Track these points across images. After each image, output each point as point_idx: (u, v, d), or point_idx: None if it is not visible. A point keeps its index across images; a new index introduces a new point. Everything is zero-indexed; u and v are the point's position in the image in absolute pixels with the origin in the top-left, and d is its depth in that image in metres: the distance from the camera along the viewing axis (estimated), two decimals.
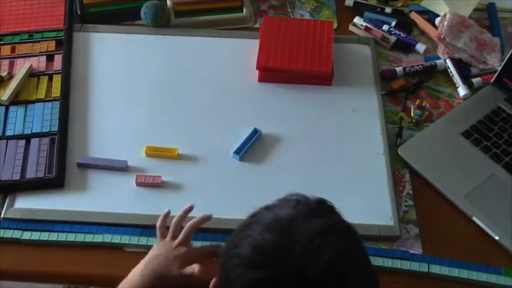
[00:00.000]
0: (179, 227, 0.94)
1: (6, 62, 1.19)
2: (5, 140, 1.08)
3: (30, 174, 1.04)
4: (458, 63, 1.26)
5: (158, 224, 0.94)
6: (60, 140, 1.09)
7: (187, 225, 0.93)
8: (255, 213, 0.74)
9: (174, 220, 0.94)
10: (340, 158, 1.11)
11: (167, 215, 0.96)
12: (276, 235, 0.68)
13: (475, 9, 1.34)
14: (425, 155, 1.12)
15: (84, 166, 1.07)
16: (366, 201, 1.05)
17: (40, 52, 1.21)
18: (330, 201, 0.73)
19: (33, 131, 1.09)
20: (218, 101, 1.18)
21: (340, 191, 1.06)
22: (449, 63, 1.25)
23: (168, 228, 0.94)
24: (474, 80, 1.23)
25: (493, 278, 0.98)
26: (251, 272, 0.67)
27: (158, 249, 0.91)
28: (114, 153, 1.08)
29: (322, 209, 0.72)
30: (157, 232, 0.94)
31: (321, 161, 1.10)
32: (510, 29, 1.35)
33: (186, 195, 1.04)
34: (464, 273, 0.97)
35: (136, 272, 0.89)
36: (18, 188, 1.03)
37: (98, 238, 0.98)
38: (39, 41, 1.23)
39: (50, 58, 1.21)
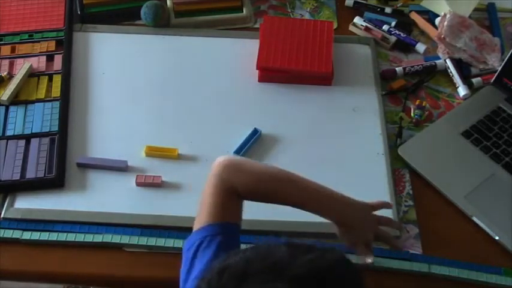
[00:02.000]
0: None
1: (6, 62, 1.19)
2: (5, 140, 1.08)
3: (30, 174, 1.04)
4: (458, 63, 1.26)
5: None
6: (60, 140, 1.09)
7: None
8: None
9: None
10: (340, 158, 1.11)
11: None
12: None
13: (475, 9, 1.34)
14: (425, 155, 1.12)
15: (84, 166, 1.07)
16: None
17: (40, 52, 1.21)
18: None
19: (33, 131, 1.09)
20: (218, 101, 1.18)
21: (340, 191, 1.06)
22: (449, 63, 1.25)
23: None
24: (474, 80, 1.23)
25: (493, 278, 0.98)
26: None
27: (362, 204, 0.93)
28: (114, 153, 1.08)
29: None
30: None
31: (321, 161, 1.10)
32: (510, 29, 1.35)
33: (186, 195, 1.04)
34: (464, 273, 0.97)
35: (339, 195, 0.91)
36: (18, 188, 1.03)
37: (98, 238, 0.98)
38: (39, 41, 1.23)
39: (50, 58, 1.21)
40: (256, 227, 1.00)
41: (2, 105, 1.13)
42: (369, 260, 0.92)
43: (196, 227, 0.85)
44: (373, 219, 0.95)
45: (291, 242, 0.69)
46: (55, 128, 1.10)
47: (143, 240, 0.98)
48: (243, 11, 1.32)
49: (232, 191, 0.86)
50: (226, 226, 0.84)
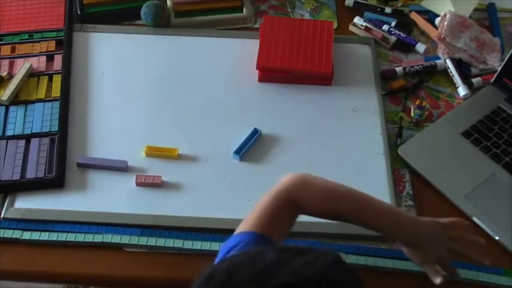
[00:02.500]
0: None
1: (6, 62, 1.19)
2: (5, 140, 1.08)
3: (30, 174, 1.04)
4: (458, 63, 1.26)
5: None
6: (60, 140, 1.09)
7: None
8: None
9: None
10: (340, 158, 1.11)
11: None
12: None
13: (475, 9, 1.34)
14: (425, 155, 1.12)
15: (84, 166, 1.07)
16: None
17: (40, 52, 1.21)
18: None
19: (33, 131, 1.09)
20: (218, 101, 1.18)
21: None
22: (449, 63, 1.25)
23: None
24: (474, 80, 1.23)
25: (493, 278, 0.97)
26: None
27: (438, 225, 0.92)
28: (114, 153, 1.08)
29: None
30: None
31: (321, 161, 1.10)
32: (510, 29, 1.35)
33: (186, 195, 1.04)
34: (464, 273, 0.97)
35: (407, 214, 0.90)
36: (18, 188, 1.03)
37: (98, 238, 0.98)
38: (39, 41, 1.23)
39: (50, 58, 1.21)
40: None
41: (2, 105, 1.13)
42: (437, 281, 0.90)
43: (240, 229, 0.83)
44: (443, 236, 0.92)
45: (282, 247, 0.67)
46: (55, 128, 1.10)
47: (143, 240, 0.98)
48: (243, 11, 1.32)
49: (292, 204, 0.84)
50: (265, 239, 0.80)
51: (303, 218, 1.02)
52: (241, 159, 1.09)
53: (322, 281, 0.62)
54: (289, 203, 0.84)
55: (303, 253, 0.65)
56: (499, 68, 1.20)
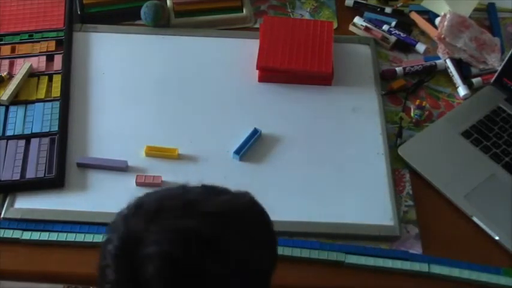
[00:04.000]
0: None
1: (6, 62, 1.19)
2: (5, 140, 1.08)
3: (30, 174, 1.04)
4: (458, 63, 1.26)
5: None
6: (60, 140, 1.08)
7: None
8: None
9: None
10: (340, 158, 1.11)
11: None
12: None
13: (475, 9, 1.34)
14: (425, 155, 1.12)
15: (84, 166, 1.07)
16: (366, 201, 1.05)
17: (40, 52, 1.21)
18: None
19: (33, 131, 1.09)
20: (218, 101, 1.18)
21: (340, 191, 1.06)
22: (449, 63, 1.25)
23: None
24: (474, 80, 1.23)
25: (493, 278, 0.97)
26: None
27: None
28: (114, 153, 1.08)
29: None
30: None
31: (321, 161, 1.10)
32: (510, 29, 1.35)
33: None
34: (465, 273, 0.97)
35: None
36: (18, 188, 1.03)
37: (98, 238, 0.98)
38: (39, 41, 1.23)
39: (50, 58, 1.21)
40: None
41: (2, 105, 1.13)
42: None
43: None
44: None
45: (206, 185, 0.74)
46: (55, 128, 1.10)
47: None
48: (243, 11, 1.32)
49: None
50: None
51: (303, 218, 1.03)
52: (241, 159, 1.09)
53: (242, 214, 0.70)
54: None
55: (224, 191, 0.73)
56: (499, 68, 1.20)
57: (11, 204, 1.02)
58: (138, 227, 0.66)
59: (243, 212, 0.71)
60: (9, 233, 0.98)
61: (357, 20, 1.33)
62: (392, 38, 1.30)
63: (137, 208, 0.69)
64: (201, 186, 0.74)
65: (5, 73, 1.16)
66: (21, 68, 1.17)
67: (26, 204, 1.02)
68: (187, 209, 0.67)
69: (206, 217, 0.67)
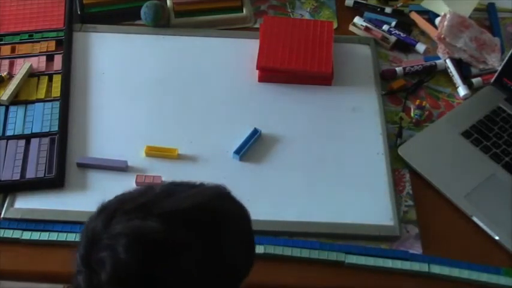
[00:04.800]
0: None
1: (6, 62, 1.19)
2: (5, 140, 1.08)
3: (30, 174, 1.04)
4: (458, 63, 1.26)
5: None
6: (60, 140, 1.08)
7: None
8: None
9: None
10: (340, 158, 1.11)
11: None
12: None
13: (475, 9, 1.34)
14: (425, 155, 1.12)
15: (84, 166, 1.07)
16: (366, 201, 1.05)
17: (40, 52, 1.21)
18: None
19: (33, 131, 1.09)
20: (218, 101, 1.18)
21: (340, 191, 1.06)
22: (449, 63, 1.25)
23: None
24: (474, 80, 1.23)
25: (493, 278, 0.97)
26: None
27: None
28: (114, 153, 1.08)
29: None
30: None
31: (321, 161, 1.10)
32: (510, 29, 1.35)
33: None
34: (465, 273, 0.97)
35: None
36: (18, 188, 1.03)
37: None
38: (39, 41, 1.23)
39: (50, 58, 1.21)
40: (256, 227, 1.00)
41: (2, 105, 1.13)
42: None
43: None
44: None
45: (174, 181, 0.72)
46: (55, 128, 1.10)
47: None
48: (243, 11, 1.32)
49: None
50: None
51: (303, 218, 1.03)
52: (241, 159, 1.09)
53: (203, 210, 0.67)
54: None
55: (192, 186, 0.71)
56: (499, 68, 1.20)
57: (11, 204, 1.02)
58: (97, 231, 0.65)
59: (203, 211, 0.67)
60: (9, 233, 0.98)
61: (357, 20, 1.33)
62: (392, 38, 1.30)
63: (99, 211, 0.68)
64: (167, 184, 0.72)
65: (5, 73, 1.16)
66: (21, 68, 1.17)
67: (26, 204, 1.02)
68: (141, 211, 0.65)
69: (159, 219, 0.64)
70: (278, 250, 0.98)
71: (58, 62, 1.20)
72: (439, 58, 1.27)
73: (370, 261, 0.98)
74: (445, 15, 1.28)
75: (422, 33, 1.34)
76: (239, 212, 0.73)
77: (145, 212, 0.65)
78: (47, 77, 1.18)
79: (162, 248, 0.63)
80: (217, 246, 0.67)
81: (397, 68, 1.25)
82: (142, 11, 1.26)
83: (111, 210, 0.66)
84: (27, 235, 0.98)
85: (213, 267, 0.67)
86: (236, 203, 0.73)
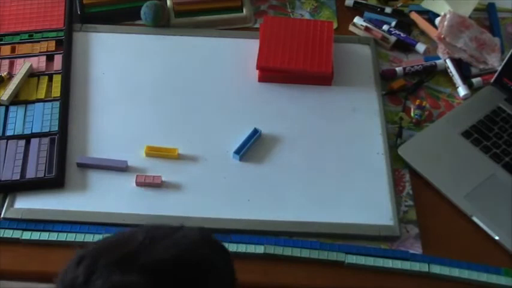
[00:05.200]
0: None
1: (6, 62, 1.19)
2: (5, 140, 1.08)
3: (30, 174, 1.04)
4: (458, 63, 1.26)
5: None
6: (60, 140, 1.08)
7: None
8: None
9: None
10: (340, 158, 1.11)
11: None
12: None
13: (475, 9, 1.34)
14: (425, 155, 1.12)
15: (84, 166, 1.07)
16: (366, 201, 1.05)
17: (40, 52, 1.21)
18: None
19: (33, 131, 1.09)
20: (218, 101, 1.18)
21: (340, 191, 1.06)
22: (449, 63, 1.25)
23: None
24: (474, 80, 1.23)
25: (493, 278, 0.97)
26: None
27: None
28: (114, 153, 1.08)
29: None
30: None
31: (320, 161, 1.10)
32: (510, 29, 1.35)
33: (186, 195, 1.04)
34: (465, 273, 0.97)
35: None
36: (18, 188, 1.03)
37: (98, 238, 0.98)
38: (39, 41, 1.23)
39: (50, 58, 1.21)
40: (256, 227, 1.00)
41: (2, 105, 1.13)
42: None
43: None
44: None
45: (150, 227, 0.68)
46: (55, 128, 1.10)
47: None
48: (243, 11, 1.32)
49: None
50: None
51: (303, 218, 1.03)
52: (241, 159, 1.09)
53: (187, 261, 0.64)
54: None
55: (173, 231, 0.67)
56: (499, 68, 1.20)
57: (11, 204, 1.02)
58: (76, 286, 0.62)
59: (187, 261, 0.65)
60: (9, 233, 0.98)
61: (357, 20, 1.33)
62: (392, 38, 1.30)
63: (78, 261, 0.64)
64: (147, 228, 0.68)
65: (5, 73, 1.16)
66: (21, 68, 1.17)
67: (26, 204, 1.02)
68: (123, 264, 0.62)
69: (143, 272, 0.61)
70: (278, 250, 0.98)
71: (58, 62, 1.20)
72: (439, 58, 1.27)
73: (370, 261, 0.98)
74: (445, 15, 1.28)
75: (422, 33, 1.33)
76: (222, 256, 0.70)
77: (127, 264, 0.62)
78: (47, 77, 1.18)
79: None
80: None
81: (397, 68, 1.25)
82: (142, 11, 1.26)
83: (91, 262, 0.63)
84: (27, 235, 0.98)
85: None
86: (218, 248, 0.71)
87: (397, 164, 1.11)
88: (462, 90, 1.22)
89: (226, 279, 0.69)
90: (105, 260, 0.63)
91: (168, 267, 0.63)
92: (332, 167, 1.09)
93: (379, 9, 1.36)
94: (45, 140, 1.08)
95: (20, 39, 1.23)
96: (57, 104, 1.13)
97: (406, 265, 0.98)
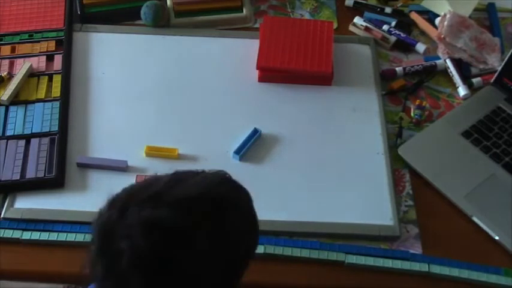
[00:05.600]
0: None
1: (6, 62, 1.20)
2: (5, 140, 1.08)
3: (30, 174, 1.04)
4: (458, 63, 1.26)
5: None
6: (60, 140, 1.09)
7: None
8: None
9: None
10: (340, 158, 1.11)
11: None
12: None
13: (475, 9, 1.34)
14: (425, 155, 1.12)
15: (84, 166, 1.07)
16: (366, 201, 1.05)
17: (40, 52, 1.21)
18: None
19: (33, 131, 1.09)
20: (218, 101, 1.18)
21: (340, 191, 1.06)
22: (449, 63, 1.25)
23: None
24: (474, 80, 1.23)
25: (493, 278, 0.98)
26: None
27: None
28: (114, 153, 1.08)
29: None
30: None
31: (321, 161, 1.10)
32: (510, 29, 1.35)
33: None
34: (465, 273, 0.97)
35: None
36: (18, 188, 1.03)
37: None
38: (39, 41, 1.23)
39: (50, 58, 1.21)
40: None
41: (2, 105, 1.13)
42: None
43: None
44: None
45: (176, 171, 0.75)
46: (55, 128, 1.10)
47: None
48: (243, 11, 1.32)
49: None
50: None
51: (303, 218, 1.03)
52: (241, 159, 1.09)
53: (209, 197, 0.71)
54: None
55: (195, 174, 0.74)
56: (499, 68, 1.20)
57: (11, 204, 1.02)
58: (111, 223, 0.69)
59: (209, 196, 0.71)
60: (9, 233, 0.98)
61: (357, 20, 1.33)
62: (392, 38, 1.30)
63: (110, 204, 0.71)
64: (172, 173, 0.75)
65: (5, 73, 1.16)
66: (21, 68, 1.17)
67: (26, 204, 1.02)
68: (153, 201, 0.69)
69: (171, 207, 0.68)
70: (278, 250, 0.98)
71: (58, 62, 1.20)
72: (439, 58, 1.27)
73: (370, 261, 0.98)
74: (445, 15, 1.28)
75: (422, 33, 1.34)
76: (243, 194, 0.77)
77: (156, 201, 0.68)
78: (47, 77, 1.18)
79: (175, 233, 0.67)
80: (223, 226, 0.71)
81: (397, 68, 1.25)
82: (142, 11, 1.26)
83: (123, 203, 0.70)
84: (27, 235, 0.98)
85: (221, 246, 0.70)
86: (238, 187, 0.77)
87: (397, 164, 1.11)
88: (462, 90, 1.22)
89: (247, 214, 0.76)
90: (136, 199, 0.69)
91: (194, 203, 0.69)
92: (332, 166, 1.09)
93: (379, 9, 1.36)
94: (45, 140, 1.08)
95: (20, 39, 1.23)
96: (57, 104, 1.13)
97: (406, 265, 0.98)
